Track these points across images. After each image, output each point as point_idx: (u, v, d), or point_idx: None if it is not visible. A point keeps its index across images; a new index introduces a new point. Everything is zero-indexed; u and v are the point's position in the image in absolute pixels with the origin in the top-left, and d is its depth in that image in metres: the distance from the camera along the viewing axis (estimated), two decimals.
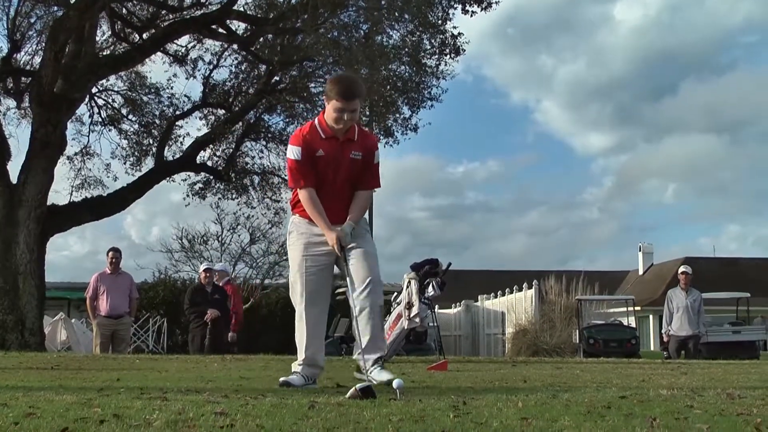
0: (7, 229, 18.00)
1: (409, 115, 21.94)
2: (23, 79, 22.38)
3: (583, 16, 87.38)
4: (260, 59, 23.03)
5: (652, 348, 36.53)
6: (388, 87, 20.72)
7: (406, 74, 21.41)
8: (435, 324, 16.54)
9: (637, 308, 27.75)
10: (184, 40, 23.32)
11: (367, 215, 6.45)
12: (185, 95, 24.78)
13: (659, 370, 9.48)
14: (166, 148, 23.98)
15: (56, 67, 18.56)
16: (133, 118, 25.02)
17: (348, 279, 5.99)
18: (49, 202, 19.39)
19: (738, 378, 7.89)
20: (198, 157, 23.82)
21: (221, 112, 24.68)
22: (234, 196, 24.41)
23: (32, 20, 22.42)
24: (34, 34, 22.64)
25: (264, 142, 24.69)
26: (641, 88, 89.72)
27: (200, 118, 25.03)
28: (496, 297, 27.92)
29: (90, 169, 24.62)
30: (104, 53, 22.52)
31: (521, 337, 22.89)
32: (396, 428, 3.32)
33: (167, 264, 26.98)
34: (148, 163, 24.20)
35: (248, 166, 24.72)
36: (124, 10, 22.36)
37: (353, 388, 4.66)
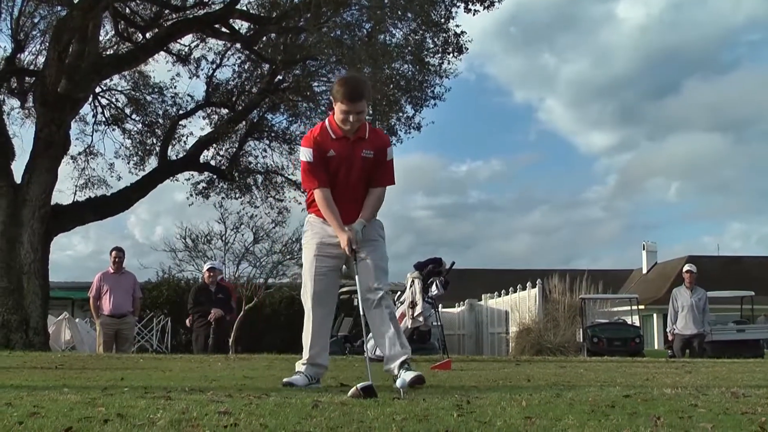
0: (11, 228, 18.01)
1: (412, 113, 21.95)
2: (27, 78, 22.40)
3: (585, 14, 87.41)
4: (263, 58, 23.03)
5: (655, 347, 36.47)
6: (391, 86, 20.69)
7: (409, 73, 21.39)
8: (438, 323, 16.58)
9: (641, 307, 27.75)
10: (187, 39, 23.35)
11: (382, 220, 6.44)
12: (188, 95, 24.83)
13: (663, 369, 9.47)
14: (170, 147, 24.01)
15: (60, 66, 18.57)
16: (137, 118, 25.06)
17: (358, 290, 6.04)
18: (53, 202, 19.39)
19: (742, 377, 7.89)
20: (201, 157, 23.84)
21: (224, 111, 24.68)
22: (237, 195, 24.41)
23: (36, 20, 22.45)
24: (38, 34, 22.70)
25: (267, 142, 24.71)
26: (644, 87, 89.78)
27: (203, 118, 25.10)
28: (499, 296, 27.90)
29: (94, 169, 24.68)
30: (108, 53, 22.53)
31: (525, 336, 22.86)
32: (400, 427, 3.32)
33: (171, 263, 26.93)
34: (152, 163, 24.24)
35: (251, 165, 24.74)
36: (127, 10, 22.37)
37: (354, 387, 4.67)
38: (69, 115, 19.71)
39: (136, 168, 24.34)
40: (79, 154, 24.40)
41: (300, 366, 6.14)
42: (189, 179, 24.24)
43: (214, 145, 24.11)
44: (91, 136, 24.58)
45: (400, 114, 21.75)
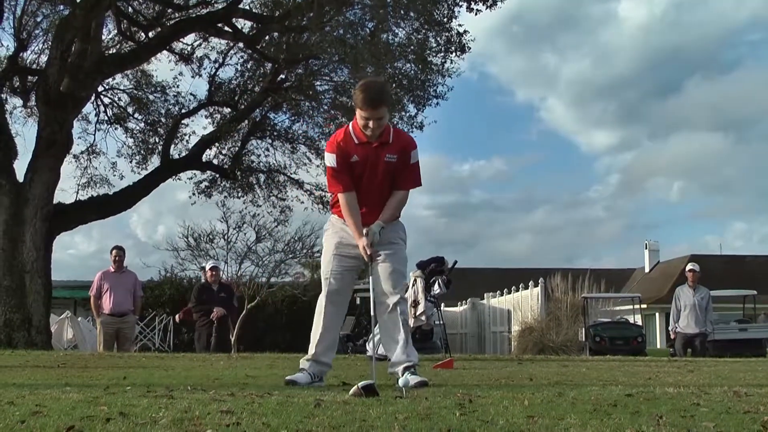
0: (13, 227, 18.01)
1: (415, 113, 21.89)
2: (29, 77, 22.40)
3: (587, 14, 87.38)
4: (266, 57, 23.02)
5: (658, 346, 36.49)
6: (394, 85, 20.65)
7: (412, 72, 21.35)
8: (441, 322, 16.58)
9: (644, 306, 27.75)
10: (189, 38, 23.34)
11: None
12: (191, 93, 24.79)
13: (665, 368, 9.47)
14: (172, 146, 23.99)
15: (62, 65, 18.58)
16: (139, 117, 25.04)
17: (372, 294, 6.08)
18: (55, 201, 19.39)
19: (745, 376, 7.89)
20: (204, 156, 23.81)
21: (227, 110, 24.67)
22: (240, 194, 24.38)
23: (38, 19, 22.46)
24: (41, 33, 22.69)
25: (270, 141, 24.68)
26: (646, 86, 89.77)
27: (206, 117, 25.07)
28: (502, 295, 27.93)
29: (96, 168, 24.65)
30: (110, 52, 22.51)
31: (527, 335, 22.90)
32: (402, 426, 3.31)
33: (173, 262, 26.96)
34: (154, 162, 24.21)
35: (254, 164, 24.71)
36: (130, 9, 22.37)
37: (355, 386, 4.67)
38: (71, 114, 19.70)
39: (139, 167, 24.36)
40: (82, 153, 24.41)
41: (304, 363, 6.16)
42: (191, 178, 24.25)
43: (217, 144, 24.10)
44: (94, 135, 24.61)
45: (403, 113, 21.71)
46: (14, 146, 19.26)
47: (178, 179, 23.94)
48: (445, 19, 20.41)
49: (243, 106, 24.09)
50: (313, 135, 23.99)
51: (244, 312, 20.96)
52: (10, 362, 9.65)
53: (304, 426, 3.30)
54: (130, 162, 24.54)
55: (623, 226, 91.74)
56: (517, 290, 26.12)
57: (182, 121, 24.50)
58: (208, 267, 15.34)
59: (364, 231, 5.99)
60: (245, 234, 24.11)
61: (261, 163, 24.69)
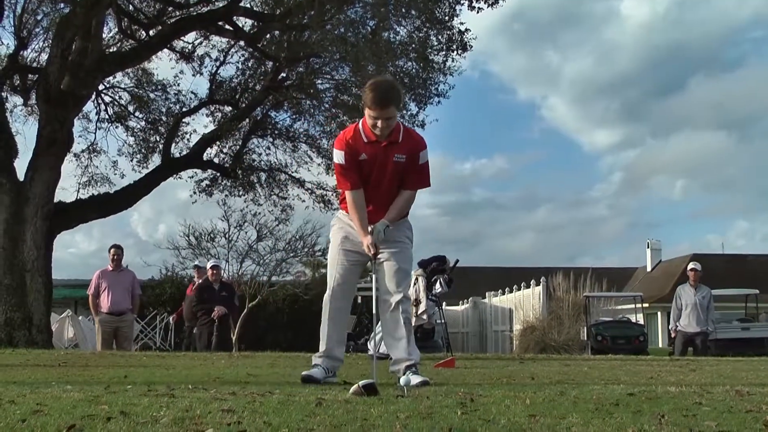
0: (14, 226, 18.02)
1: (416, 111, 21.89)
2: (30, 76, 22.42)
3: (589, 11, 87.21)
4: (267, 56, 23.02)
5: (660, 345, 36.49)
6: None
7: (413, 70, 21.35)
8: (442, 321, 16.59)
9: (645, 305, 27.70)
10: (190, 36, 23.35)
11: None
12: (192, 92, 24.79)
13: (667, 367, 9.47)
14: (173, 145, 23.99)
15: (63, 64, 18.58)
16: (140, 115, 25.03)
17: (374, 291, 6.11)
18: (56, 200, 19.40)
19: (747, 375, 7.89)
20: (205, 154, 23.82)
21: (228, 108, 24.69)
22: (241, 193, 24.41)
23: (39, 17, 22.44)
24: (41, 32, 22.68)
25: (271, 139, 24.70)
26: (648, 85, 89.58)
27: (207, 115, 25.07)
28: (503, 294, 27.93)
29: (97, 167, 24.65)
30: (111, 50, 22.52)
31: (529, 334, 22.90)
32: (403, 425, 3.31)
33: (174, 261, 26.99)
34: (155, 161, 24.22)
35: (255, 163, 24.72)
36: (130, 7, 22.36)
37: (356, 384, 4.67)
38: (72, 112, 19.71)
39: (140, 166, 24.37)
40: (83, 151, 24.42)
41: (317, 359, 6.19)
42: (192, 177, 24.27)
43: (218, 142, 24.11)
44: (95, 133, 24.63)
45: (404, 111, 21.70)
46: (15, 145, 19.26)
47: (179, 178, 23.99)
48: (447, 17, 20.42)
49: (244, 105, 24.10)
50: (314, 133, 24.03)
51: (245, 311, 20.99)
52: (10, 361, 9.66)
53: (305, 425, 3.30)
54: (131, 160, 24.60)
55: (625, 224, 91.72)
56: (519, 289, 26.11)
57: (183, 120, 24.51)
58: (209, 265, 15.35)
59: (369, 229, 6.00)
60: (246, 233, 24.18)
61: (262, 162, 24.74)
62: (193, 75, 24.24)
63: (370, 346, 11.05)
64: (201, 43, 23.82)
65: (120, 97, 25.00)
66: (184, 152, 24.13)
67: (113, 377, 6.66)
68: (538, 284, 24.36)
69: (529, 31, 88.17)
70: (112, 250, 14.54)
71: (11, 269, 17.81)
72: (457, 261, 15.95)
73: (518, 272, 36.23)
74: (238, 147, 24.47)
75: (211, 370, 8.09)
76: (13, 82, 22.26)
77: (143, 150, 24.67)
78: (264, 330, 26.98)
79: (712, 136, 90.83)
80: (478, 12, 19.87)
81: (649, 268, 52.98)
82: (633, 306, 25.48)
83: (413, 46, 20.57)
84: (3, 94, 20.78)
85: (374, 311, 6.14)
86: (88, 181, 24.34)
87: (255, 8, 22.31)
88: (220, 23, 21.72)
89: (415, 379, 5.71)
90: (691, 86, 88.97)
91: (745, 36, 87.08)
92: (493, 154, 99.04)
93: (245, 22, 22.29)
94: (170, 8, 22.46)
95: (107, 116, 24.66)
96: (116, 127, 24.88)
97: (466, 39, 20.62)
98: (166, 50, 22.94)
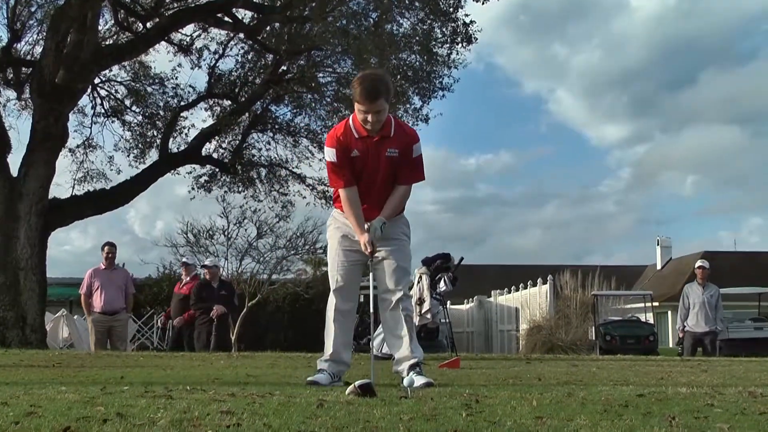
0: (7, 223, 18.03)
1: (420, 105, 21.89)
2: (24, 69, 22.39)
3: (598, 2, 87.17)
4: (267, 48, 23.01)
5: (670, 345, 36.47)
6: (399, 77, 20.65)
7: (417, 63, 21.34)
8: (447, 320, 16.58)
9: (655, 304, 27.72)
10: (189, 29, 23.30)
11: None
12: (190, 86, 24.75)
13: (678, 368, 9.47)
14: (171, 140, 23.98)
15: (58, 57, 18.58)
16: (137, 110, 25.01)
17: (371, 289, 6.10)
18: (50, 196, 19.41)
19: (760, 375, 7.88)
20: (203, 149, 23.82)
21: (227, 102, 24.66)
22: (240, 189, 24.41)
23: (33, 9, 22.41)
24: (35, 24, 22.65)
25: (271, 134, 24.68)
26: (658, 78, 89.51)
27: (205, 109, 25.04)
28: (509, 292, 27.96)
29: (92, 162, 24.63)
30: (107, 43, 22.51)
31: (536, 334, 22.92)
32: (407, 427, 3.31)
33: (172, 259, 27.04)
34: (152, 156, 24.20)
35: (255, 158, 24.71)
36: None
37: (352, 384, 4.67)
38: (67, 106, 19.72)
39: (136, 161, 24.34)
40: (78, 146, 24.41)
41: (322, 363, 6.17)
42: (190, 172, 24.25)
43: (217, 137, 24.10)
44: (90, 128, 24.59)
45: (408, 105, 21.72)
46: (8, 140, 19.27)
47: (177, 174, 24.00)
48: (451, 9, 20.41)
49: (243, 99, 24.08)
50: (315, 128, 24.00)
51: (245, 310, 21.01)
52: (3, 361, 9.67)
53: (306, 427, 3.30)
54: (128, 156, 24.56)
55: (635, 221, 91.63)
56: (525, 287, 26.13)
57: (181, 114, 24.49)
58: (208, 262, 15.38)
59: (366, 227, 5.99)
60: (246, 230, 24.22)
61: (262, 157, 24.72)
62: (192, 68, 24.23)
63: (372, 345, 11.04)
64: (199, 35, 23.79)
65: (116, 91, 25.00)
66: (182, 147, 24.12)
67: (109, 378, 6.67)
68: (545, 282, 24.38)
69: (535, 22, 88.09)
70: (107, 248, 14.57)
71: (4, 267, 17.82)
72: (462, 258, 15.94)
73: (524, 270, 36.25)
74: (237, 142, 24.47)
75: (210, 370, 8.10)
76: (7, 76, 22.25)
77: (140, 145, 24.66)
78: (264, 329, 27.03)
79: (724, 131, 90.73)
80: (483, 3, 19.86)
81: (659, 266, 52.99)
82: (642, 305, 25.49)
83: (417, 38, 20.56)
84: None
85: (372, 311, 6.13)
86: (84, 176, 24.35)
87: (255, 0, 22.30)
88: (219, 15, 21.69)
89: (419, 380, 5.71)
90: (702, 79, 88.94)
91: (759, 28, 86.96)
92: (499, 149, 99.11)
93: (245, 14, 22.28)
94: (168, 0, 22.45)
95: (103, 110, 24.66)
96: (112, 121, 24.87)
97: (471, 31, 20.63)
98: (163, 43, 22.91)
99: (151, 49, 22.94)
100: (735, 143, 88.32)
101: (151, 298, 27.27)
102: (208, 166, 24.38)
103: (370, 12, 20.39)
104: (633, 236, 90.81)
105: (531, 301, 25.05)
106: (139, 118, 25.01)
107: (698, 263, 16.07)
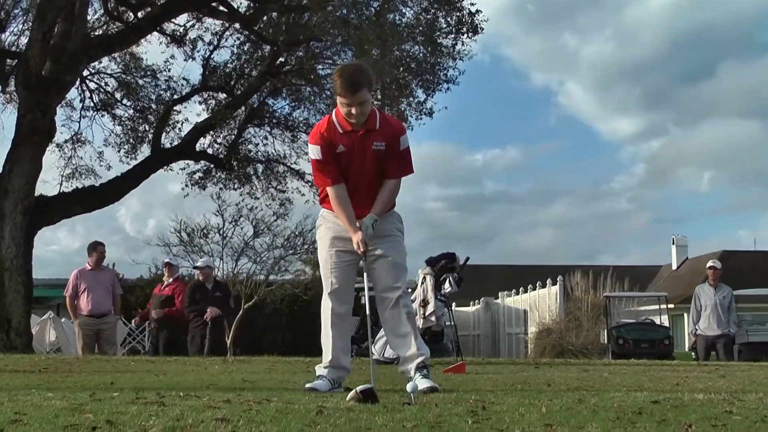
0: None
1: (424, 98, 21.88)
2: (9, 61, 22.40)
3: None
4: (264, 39, 23.02)
5: (686, 349, 36.39)
6: (401, 69, 20.67)
7: (421, 55, 21.34)
8: (452, 323, 16.55)
9: (671, 306, 27.73)
10: (182, 18, 23.32)
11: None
12: (183, 78, 24.72)
13: (694, 373, 9.47)
14: (163, 134, 24.00)
15: (44, 48, 18.58)
16: (128, 103, 25.03)
17: (367, 288, 6.09)
18: (37, 193, 19.43)
19: None
20: (197, 145, 23.85)
21: (222, 96, 24.70)
22: (236, 185, 24.43)
23: None
24: (20, 13, 22.68)
25: (268, 128, 24.72)
26: (673, 69, 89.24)
27: (200, 103, 25.04)
28: (517, 294, 27.96)
29: (81, 158, 24.65)
30: (96, 33, 22.52)
31: (545, 337, 22.92)
32: None
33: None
34: (144, 151, 24.23)
35: (251, 153, 24.76)
36: None
37: (353, 390, 4.67)
38: (54, 99, 19.73)
39: (127, 157, 24.36)
40: (66, 141, 24.42)
41: (321, 369, 6.17)
42: (184, 169, 24.30)
43: (211, 132, 24.14)
44: (79, 122, 24.62)
45: (411, 99, 21.71)
46: None
47: (170, 170, 24.01)
48: None
49: (239, 92, 24.11)
50: (314, 122, 23.93)
51: (241, 312, 21.01)
52: None
53: None
54: (118, 151, 24.58)
55: (649, 219, 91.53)
56: (534, 289, 26.13)
57: (174, 108, 24.52)
58: (200, 263, 15.39)
59: (358, 224, 5.99)
60: (242, 228, 24.17)
61: (259, 153, 24.76)
62: (185, 60, 24.27)
63: (374, 349, 11.05)
64: (193, 25, 23.80)
65: (106, 84, 25.01)
66: (176, 142, 24.16)
67: (99, 384, 6.67)
68: (554, 283, 24.38)
69: (544, 12, 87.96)
70: (100, 248, 14.55)
71: None
72: (468, 258, 15.93)
73: (533, 271, 36.26)
74: (233, 137, 24.50)
75: (204, 375, 8.10)
76: None
77: (131, 140, 24.67)
78: (261, 332, 27.04)
79: (743, 125, 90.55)
80: None
81: (674, 266, 52.96)
82: (657, 307, 25.45)
83: (420, 28, 20.55)
84: None
85: (368, 312, 6.11)
86: (72, 173, 24.37)
87: None
88: (213, 4, 21.72)
89: (423, 384, 5.71)
90: (720, 71, 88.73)
91: None
92: (506, 144, 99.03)
93: (240, 3, 22.30)
94: None
95: (92, 104, 24.69)
96: (102, 115, 24.87)
97: (476, 21, 20.62)
98: (155, 33, 22.94)
99: (142, 40, 22.97)
100: (754, 137, 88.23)
101: (142, 299, 27.16)
102: (202, 162, 24.40)
103: (371, 1, 20.40)
104: (647, 235, 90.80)
105: (540, 303, 25.05)
106: (130, 111, 25.05)
107: (709, 263, 16.06)
